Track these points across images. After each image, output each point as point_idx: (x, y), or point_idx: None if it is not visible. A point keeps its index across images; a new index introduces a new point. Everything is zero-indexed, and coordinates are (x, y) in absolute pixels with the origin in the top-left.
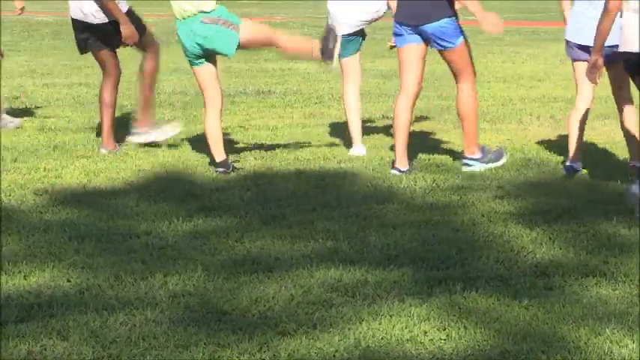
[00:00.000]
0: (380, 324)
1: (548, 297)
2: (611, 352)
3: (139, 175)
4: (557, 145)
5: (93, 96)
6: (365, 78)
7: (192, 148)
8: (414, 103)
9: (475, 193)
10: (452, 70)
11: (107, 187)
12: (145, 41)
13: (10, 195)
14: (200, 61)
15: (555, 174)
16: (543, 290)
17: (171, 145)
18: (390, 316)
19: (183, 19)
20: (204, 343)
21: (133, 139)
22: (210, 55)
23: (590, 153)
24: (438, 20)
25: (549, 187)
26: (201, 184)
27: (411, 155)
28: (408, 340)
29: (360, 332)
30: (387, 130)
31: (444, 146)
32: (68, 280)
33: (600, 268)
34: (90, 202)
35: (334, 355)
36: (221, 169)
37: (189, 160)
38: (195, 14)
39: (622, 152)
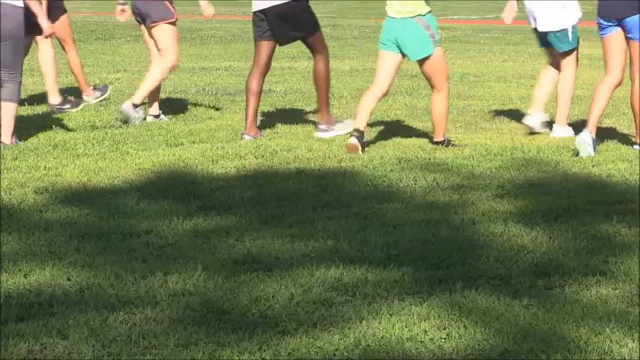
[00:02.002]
0: (380, 323)
1: (549, 296)
2: (611, 352)
3: (139, 174)
4: (558, 144)
5: None
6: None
7: (193, 147)
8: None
9: (475, 193)
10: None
11: (107, 185)
12: (314, 42)
13: (10, 193)
14: (388, 46)
15: (555, 173)
16: (543, 289)
17: (172, 144)
18: (390, 316)
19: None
20: (205, 342)
21: (319, 134)
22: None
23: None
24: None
25: (549, 187)
26: (202, 183)
27: (412, 154)
28: (408, 339)
29: (361, 331)
30: (389, 130)
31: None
32: (68, 279)
33: (600, 268)
34: (90, 201)
35: (334, 354)
36: (354, 138)
37: (190, 159)
38: (410, 15)
39: (624, 151)
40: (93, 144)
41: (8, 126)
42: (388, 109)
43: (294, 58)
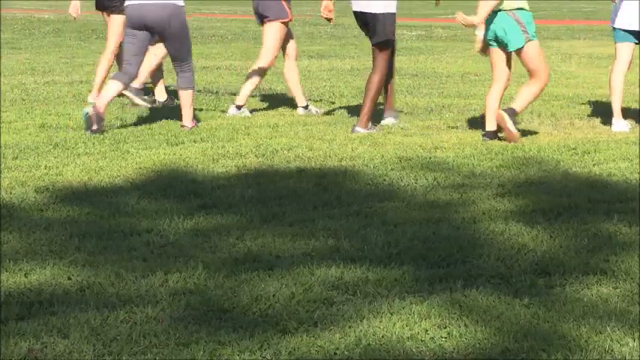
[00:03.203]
0: (381, 322)
1: (549, 295)
2: (612, 351)
3: (140, 173)
4: (558, 143)
5: None
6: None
7: (193, 146)
8: None
9: (476, 191)
10: None
11: (108, 184)
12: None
13: (10, 192)
14: (493, 44)
15: (556, 172)
16: (544, 288)
17: (172, 143)
18: (391, 314)
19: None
20: (205, 341)
21: (386, 122)
22: (499, 42)
23: (590, 152)
24: None
25: (550, 186)
26: (202, 181)
27: (412, 153)
28: (408, 338)
29: (361, 330)
30: (389, 129)
31: (445, 144)
32: (69, 278)
33: (601, 267)
34: (91, 200)
35: (335, 353)
36: (486, 138)
37: (190, 158)
38: (505, 9)
39: (624, 150)
40: (94, 143)
41: (188, 111)
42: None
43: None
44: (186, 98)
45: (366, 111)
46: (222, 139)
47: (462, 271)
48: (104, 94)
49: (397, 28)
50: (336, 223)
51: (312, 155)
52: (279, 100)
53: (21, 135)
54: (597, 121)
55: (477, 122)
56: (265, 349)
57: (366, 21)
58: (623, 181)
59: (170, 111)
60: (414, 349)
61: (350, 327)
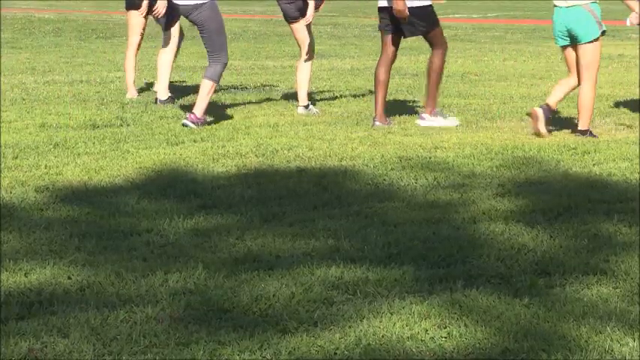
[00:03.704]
0: (381, 322)
1: (549, 295)
2: (612, 351)
3: (140, 173)
4: (558, 143)
5: (94, 93)
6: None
7: (193, 146)
8: None
9: (476, 191)
10: None
11: (108, 184)
12: (434, 38)
13: (10, 192)
14: (564, 40)
15: (556, 172)
16: (544, 288)
17: (172, 143)
18: (391, 314)
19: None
20: (205, 341)
21: (421, 122)
22: (571, 38)
23: (590, 152)
24: None
25: (550, 186)
26: (202, 181)
27: (412, 153)
28: (408, 337)
29: (361, 330)
30: (390, 129)
31: (445, 144)
32: (69, 278)
33: (601, 267)
34: (91, 200)
35: (335, 353)
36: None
37: (190, 157)
38: (578, 3)
39: (624, 150)
40: (94, 143)
41: (203, 102)
42: (389, 108)
43: (294, 56)
44: (206, 88)
45: (431, 98)
46: (223, 139)
47: (462, 271)
48: (198, 102)
49: None
50: (336, 223)
51: (312, 155)
52: (279, 100)
53: (21, 134)
54: (597, 121)
55: (477, 122)
56: (265, 349)
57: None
58: (623, 181)
59: (170, 111)
60: (414, 349)
61: (350, 327)
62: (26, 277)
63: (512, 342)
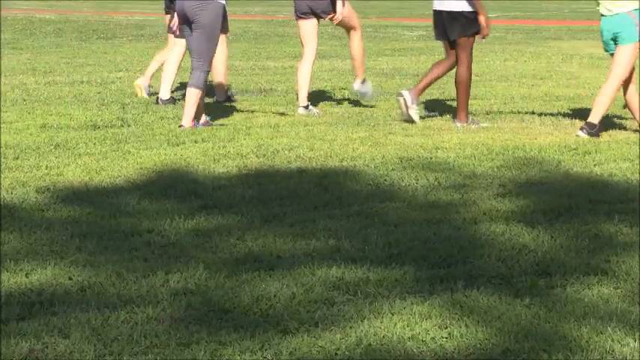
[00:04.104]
0: (381, 322)
1: (550, 295)
2: (613, 351)
3: (140, 173)
4: (559, 143)
5: (95, 93)
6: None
7: (194, 147)
8: None
9: (476, 192)
10: None
11: (109, 185)
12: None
13: (11, 193)
14: (611, 47)
15: (557, 173)
16: (545, 289)
17: (173, 144)
18: (392, 315)
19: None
20: (206, 342)
21: (457, 123)
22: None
23: (591, 152)
24: None
25: (551, 186)
26: (203, 182)
27: (413, 154)
28: (409, 338)
29: (362, 330)
30: (390, 129)
31: (446, 144)
32: (70, 278)
33: (602, 267)
34: (92, 200)
35: (336, 354)
36: None
37: (191, 158)
38: (623, 10)
39: (625, 150)
40: (94, 143)
41: (190, 111)
42: (389, 108)
43: (295, 57)
44: (191, 97)
45: (462, 105)
46: (223, 140)
47: (463, 272)
48: (185, 112)
49: (397, 28)
50: (337, 223)
51: (313, 155)
52: (279, 101)
53: (22, 135)
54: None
55: (478, 122)
56: (266, 350)
57: (449, 18)
58: (624, 181)
59: (171, 112)
60: (414, 350)
61: (351, 327)
62: (27, 277)
63: (513, 342)
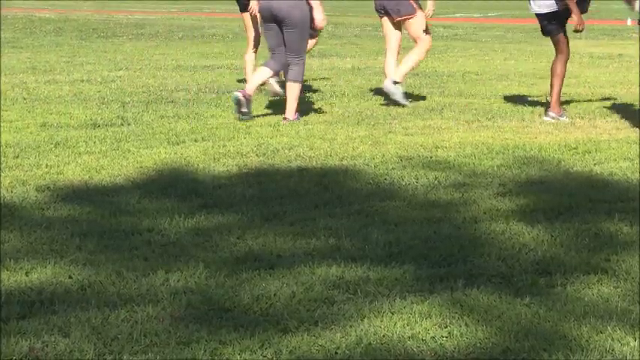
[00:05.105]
0: (381, 321)
1: (550, 295)
2: (613, 350)
3: (141, 172)
4: (559, 142)
5: (95, 92)
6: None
7: (194, 145)
8: None
9: (477, 191)
10: None
11: (109, 183)
12: (558, 42)
13: (11, 191)
14: None
15: (557, 172)
16: (545, 288)
17: (173, 142)
18: (392, 314)
19: None
20: (206, 340)
21: (547, 119)
22: None
23: (591, 151)
24: None
25: (551, 185)
26: (203, 181)
27: (413, 153)
28: (409, 337)
29: (362, 329)
30: (391, 128)
31: (446, 143)
32: (70, 277)
33: (602, 266)
34: (92, 199)
35: (336, 353)
36: None
37: (191, 157)
38: None
39: (625, 149)
40: (95, 142)
41: (293, 104)
42: (390, 107)
43: None
44: (292, 91)
45: (555, 97)
46: (223, 138)
47: (463, 271)
48: (253, 79)
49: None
50: (337, 222)
51: (313, 154)
52: (279, 100)
53: (22, 134)
54: (598, 120)
55: (478, 121)
56: (266, 349)
57: (548, 18)
58: (624, 180)
59: (171, 110)
60: (414, 349)
61: (351, 326)
62: (27, 276)
63: (513, 341)
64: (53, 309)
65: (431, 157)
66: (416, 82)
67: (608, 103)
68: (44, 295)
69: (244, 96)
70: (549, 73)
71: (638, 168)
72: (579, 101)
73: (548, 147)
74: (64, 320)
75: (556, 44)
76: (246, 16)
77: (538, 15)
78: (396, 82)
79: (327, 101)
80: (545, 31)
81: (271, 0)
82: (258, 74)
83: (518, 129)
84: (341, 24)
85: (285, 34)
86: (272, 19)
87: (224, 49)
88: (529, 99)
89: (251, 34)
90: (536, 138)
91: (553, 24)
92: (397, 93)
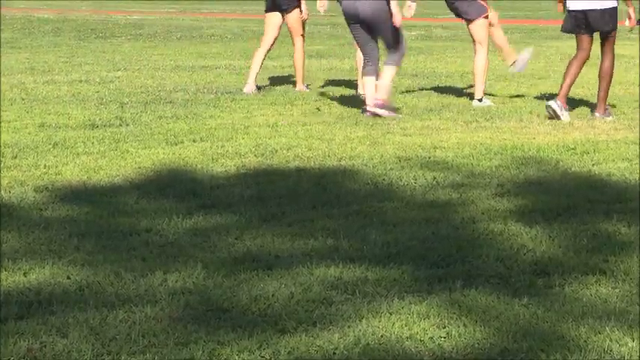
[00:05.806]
0: (380, 322)
1: (548, 295)
2: (611, 351)
3: (139, 173)
4: (557, 143)
5: (93, 92)
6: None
7: (193, 146)
8: None
9: (475, 191)
10: None
11: (107, 184)
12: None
13: (10, 192)
14: None
15: (555, 172)
16: (543, 288)
17: (171, 143)
18: (390, 314)
19: None
20: (204, 341)
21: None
22: None
23: (589, 152)
24: None
25: (549, 186)
26: (202, 181)
27: (412, 153)
28: (407, 337)
29: (360, 330)
30: (389, 128)
31: (444, 144)
32: (68, 277)
33: (600, 267)
34: (90, 199)
35: (334, 353)
36: None
37: (190, 157)
38: None
39: (624, 150)
40: (93, 142)
41: (386, 84)
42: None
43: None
44: (387, 73)
45: (602, 97)
46: (222, 139)
47: (461, 271)
48: (367, 93)
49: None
50: (335, 222)
51: (312, 155)
52: (279, 100)
53: (20, 134)
54: (597, 121)
55: (475, 122)
56: (264, 349)
57: (594, 17)
58: (622, 181)
59: (170, 111)
60: (413, 349)
61: (349, 327)
62: (25, 276)
63: (511, 342)
64: (51, 309)
65: (429, 158)
66: (414, 82)
67: (608, 104)
68: (42, 296)
69: (378, 105)
70: (548, 74)
71: (637, 168)
72: (579, 101)
73: (547, 147)
74: (62, 321)
75: (583, 44)
76: (269, 16)
77: (590, 11)
78: (480, 100)
79: (326, 101)
80: (595, 29)
81: (356, 0)
82: (369, 86)
83: (517, 129)
84: (340, 24)
85: (377, 35)
86: (356, 19)
87: (222, 49)
88: (527, 100)
89: (270, 35)
90: (534, 138)
91: (611, 20)
92: (486, 106)
